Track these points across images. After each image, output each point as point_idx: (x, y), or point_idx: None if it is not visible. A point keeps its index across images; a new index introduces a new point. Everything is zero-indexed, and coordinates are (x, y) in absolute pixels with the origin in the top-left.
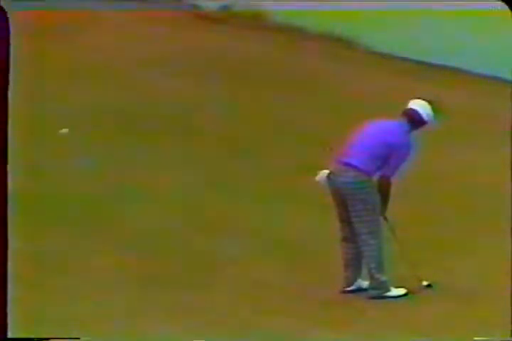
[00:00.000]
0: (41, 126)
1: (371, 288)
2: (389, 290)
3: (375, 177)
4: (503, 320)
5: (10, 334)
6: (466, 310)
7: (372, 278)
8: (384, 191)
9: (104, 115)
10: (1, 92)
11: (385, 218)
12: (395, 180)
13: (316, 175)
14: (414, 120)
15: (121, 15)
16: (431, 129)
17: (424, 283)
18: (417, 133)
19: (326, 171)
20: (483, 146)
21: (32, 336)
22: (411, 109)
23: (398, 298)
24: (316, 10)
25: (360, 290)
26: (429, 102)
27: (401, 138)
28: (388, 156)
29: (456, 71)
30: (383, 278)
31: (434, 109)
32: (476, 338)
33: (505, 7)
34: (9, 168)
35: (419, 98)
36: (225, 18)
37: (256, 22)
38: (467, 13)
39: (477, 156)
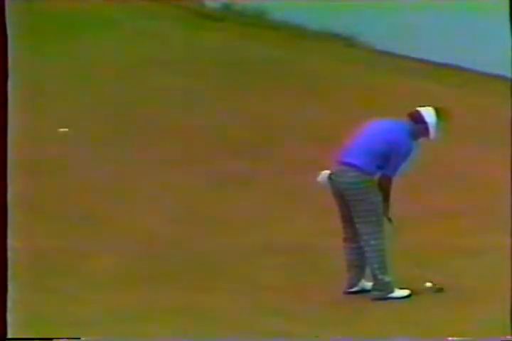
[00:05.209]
0: (41, 126)
1: (374, 289)
2: (392, 292)
3: (376, 177)
4: (503, 320)
5: (10, 334)
6: (468, 310)
7: (375, 279)
8: (385, 191)
9: (103, 114)
10: (0, 92)
11: (389, 219)
12: (395, 180)
13: (317, 175)
14: (416, 120)
15: (122, 14)
16: (436, 138)
17: (428, 284)
18: (419, 136)
19: (327, 172)
20: (483, 145)
21: (32, 336)
22: (415, 110)
23: (402, 299)
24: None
25: (363, 291)
26: (437, 109)
27: (401, 138)
28: (388, 155)
29: (457, 69)
30: (387, 279)
31: (439, 115)
32: (477, 338)
33: (506, 4)
34: (9, 167)
35: (428, 105)
36: (225, 16)
37: (257, 20)
38: (468, 10)
39: (477, 155)
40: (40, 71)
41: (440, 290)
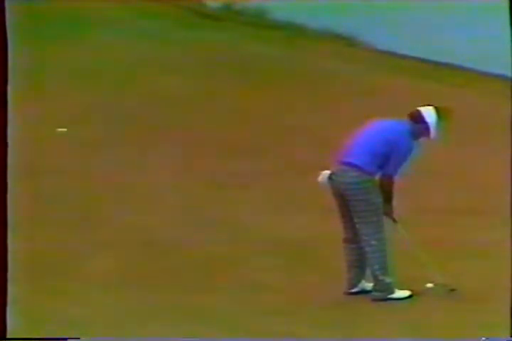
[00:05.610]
0: (41, 126)
1: (375, 290)
2: (393, 292)
3: (377, 177)
4: (504, 321)
5: (10, 335)
6: (468, 311)
7: (376, 279)
8: (387, 191)
9: (103, 114)
10: (0, 92)
11: (394, 220)
12: (395, 180)
13: (317, 175)
14: (416, 120)
15: (123, 13)
16: (437, 138)
17: (429, 285)
18: (420, 136)
19: (328, 172)
20: (483, 145)
21: (32, 336)
22: (415, 109)
23: (402, 300)
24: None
25: (363, 292)
26: (437, 109)
27: (401, 136)
28: (389, 155)
29: (458, 69)
30: (387, 279)
31: (440, 115)
32: (477, 338)
33: (506, 4)
34: (9, 168)
35: (430, 105)
36: (226, 15)
37: (257, 20)
38: (468, 10)
39: (477, 155)
40: (40, 71)
41: (452, 290)
